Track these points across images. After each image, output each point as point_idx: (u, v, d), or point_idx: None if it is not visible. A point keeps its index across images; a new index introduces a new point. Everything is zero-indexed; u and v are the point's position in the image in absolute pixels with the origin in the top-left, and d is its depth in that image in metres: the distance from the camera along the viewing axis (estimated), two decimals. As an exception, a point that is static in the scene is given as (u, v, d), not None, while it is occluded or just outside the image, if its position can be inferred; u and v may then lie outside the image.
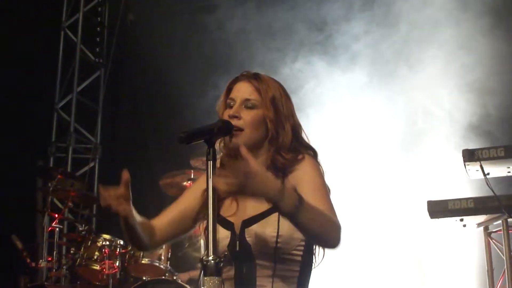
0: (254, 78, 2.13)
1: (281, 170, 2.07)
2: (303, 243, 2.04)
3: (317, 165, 2.10)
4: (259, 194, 1.76)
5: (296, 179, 2.03)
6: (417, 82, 5.15)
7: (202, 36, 6.10)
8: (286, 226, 1.96)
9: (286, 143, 2.09)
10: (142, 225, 2.10)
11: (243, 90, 2.11)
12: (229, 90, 2.16)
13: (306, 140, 2.18)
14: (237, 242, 2.00)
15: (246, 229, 2.03)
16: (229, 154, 2.15)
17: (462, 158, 3.88)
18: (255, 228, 2.01)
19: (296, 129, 2.14)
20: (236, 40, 5.66)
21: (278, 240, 1.98)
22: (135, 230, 2.07)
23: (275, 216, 2.00)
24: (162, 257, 5.07)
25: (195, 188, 2.21)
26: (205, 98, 4.72)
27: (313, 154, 2.15)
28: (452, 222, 3.97)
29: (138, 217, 2.08)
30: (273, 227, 1.99)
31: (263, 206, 2.00)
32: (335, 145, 4.99)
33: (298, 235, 2.00)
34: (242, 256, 1.99)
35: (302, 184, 1.99)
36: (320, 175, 2.08)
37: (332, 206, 1.99)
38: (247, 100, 2.09)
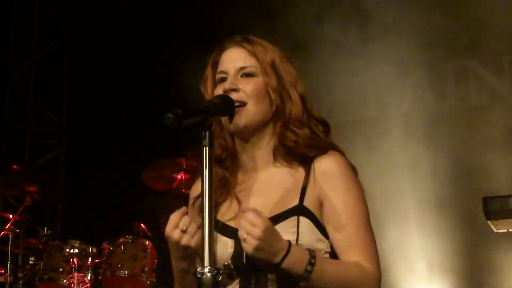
0: (246, 41, 2.15)
1: (294, 152, 2.10)
2: (327, 255, 2.07)
3: (349, 166, 2.12)
4: (257, 258, 1.90)
5: (322, 189, 2.07)
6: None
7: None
8: (307, 233, 2.02)
9: (296, 115, 2.12)
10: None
11: (235, 58, 2.13)
12: (215, 63, 2.18)
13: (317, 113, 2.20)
14: (244, 251, 1.97)
15: None
16: (226, 147, 2.17)
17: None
18: None
19: (305, 99, 2.16)
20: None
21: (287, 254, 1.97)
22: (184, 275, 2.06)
23: (293, 220, 2.03)
24: (146, 268, 5.10)
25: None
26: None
27: (328, 134, 2.17)
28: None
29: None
30: (291, 233, 2.01)
31: (278, 206, 2.06)
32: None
33: (321, 245, 2.05)
34: (249, 269, 2.00)
35: (329, 202, 2.06)
36: (355, 185, 2.11)
37: (371, 237, 2.07)
38: (243, 68, 2.11)
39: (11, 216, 5.51)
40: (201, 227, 1.87)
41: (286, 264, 1.92)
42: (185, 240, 1.94)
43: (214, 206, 2.04)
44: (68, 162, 7.12)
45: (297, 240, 2.00)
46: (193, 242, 1.95)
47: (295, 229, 2.02)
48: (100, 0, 7.02)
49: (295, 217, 2.03)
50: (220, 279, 1.84)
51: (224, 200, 2.18)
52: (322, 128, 2.16)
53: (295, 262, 1.93)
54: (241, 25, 5.37)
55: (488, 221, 4.11)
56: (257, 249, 1.88)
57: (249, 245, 1.88)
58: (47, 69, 7.21)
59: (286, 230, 2.01)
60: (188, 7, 6.31)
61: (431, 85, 5.59)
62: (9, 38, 7.13)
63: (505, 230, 4.22)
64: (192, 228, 1.95)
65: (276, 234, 1.93)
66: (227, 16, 5.72)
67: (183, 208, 1.99)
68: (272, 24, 5.58)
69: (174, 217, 1.95)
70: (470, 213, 5.02)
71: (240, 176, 2.19)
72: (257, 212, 1.90)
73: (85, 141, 6.86)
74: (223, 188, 2.17)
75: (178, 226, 1.95)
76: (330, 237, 2.06)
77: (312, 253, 1.95)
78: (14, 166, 5.47)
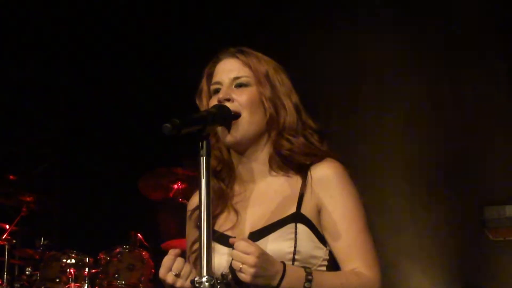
0: (240, 52, 2.17)
1: (290, 161, 2.11)
2: (325, 263, 2.07)
3: (345, 172, 2.12)
4: (255, 284, 1.90)
5: (319, 196, 2.08)
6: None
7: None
8: (305, 240, 2.03)
9: (290, 124, 2.13)
10: None
11: (229, 69, 2.15)
12: (210, 75, 2.20)
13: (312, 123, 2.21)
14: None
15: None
16: (222, 159, 2.18)
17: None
18: (266, 241, 2.04)
19: (300, 109, 2.18)
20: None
21: (296, 257, 2.01)
22: None
23: (291, 227, 2.04)
24: (143, 278, 5.10)
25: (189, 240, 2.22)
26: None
27: (323, 144, 2.18)
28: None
29: None
30: (288, 240, 2.03)
31: (275, 214, 2.07)
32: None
33: (320, 253, 2.06)
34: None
35: (326, 209, 2.07)
36: (352, 191, 2.11)
37: (370, 242, 2.08)
38: (237, 78, 2.13)
39: (7, 226, 5.52)
40: (198, 237, 1.88)
41: (284, 285, 1.93)
42: (179, 284, 1.96)
43: (212, 217, 2.05)
44: (64, 171, 7.08)
45: (295, 247, 2.01)
46: (187, 285, 1.95)
47: (293, 235, 2.02)
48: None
49: (293, 224, 2.04)
50: None
51: (221, 212, 2.19)
52: (317, 137, 2.18)
53: (292, 281, 1.94)
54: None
55: (485, 230, 4.15)
56: (254, 276, 1.88)
57: (246, 274, 1.88)
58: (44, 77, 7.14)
59: (283, 237, 2.03)
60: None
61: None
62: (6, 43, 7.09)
63: (502, 239, 4.26)
64: (185, 271, 1.96)
65: (270, 258, 1.94)
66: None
67: (176, 250, 1.99)
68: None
69: (167, 261, 1.96)
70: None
71: (236, 188, 2.21)
72: (247, 240, 1.93)
73: (81, 150, 6.84)
74: (219, 200, 2.18)
75: (172, 270, 1.95)
76: (329, 245, 2.07)
77: (308, 270, 1.97)
78: (11, 176, 5.48)
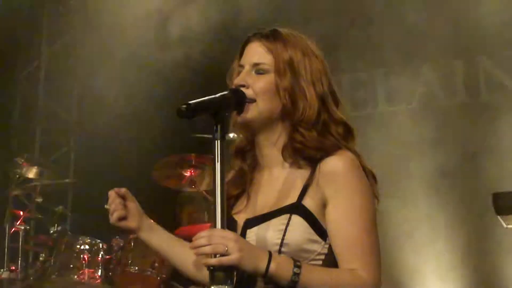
0: (268, 36, 2.15)
1: (301, 153, 2.09)
2: (321, 257, 2.02)
3: (356, 166, 2.05)
4: (244, 266, 1.87)
5: (325, 190, 2.03)
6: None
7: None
8: (298, 232, 1.99)
9: (308, 116, 2.09)
10: (182, 251, 2.29)
11: (253, 53, 2.15)
12: (241, 54, 2.19)
13: (343, 117, 2.15)
14: None
15: (248, 230, 2.08)
16: (250, 141, 2.20)
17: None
18: (257, 230, 2.05)
19: (325, 99, 2.12)
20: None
21: (282, 249, 1.98)
22: (168, 253, 2.32)
23: (285, 217, 2.01)
24: (156, 264, 5.11)
25: None
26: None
27: (349, 136, 2.13)
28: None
29: (174, 242, 2.33)
30: (277, 231, 2.00)
31: (276, 203, 2.07)
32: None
33: (314, 247, 2.01)
34: (236, 269, 1.98)
35: (331, 203, 2.02)
36: (361, 186, 2.04)
37: (372, 243, 2.00)
38: (256, 64, 2.13)
39: (21, 213, 5.56)
40: (213, 221, 1.89)
41: (272, 270, 1.89)
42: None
43: (230, 198, 2.16)
44: (78, 158, 7.20)
45: (282, 238, 1.98)
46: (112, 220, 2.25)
47: (284, 227, 2.00)
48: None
49: (288, 215, 2.01)
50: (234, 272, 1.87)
51: (240, 193, 2.21)
52: (342, 129, 2.13)
53: (280, 268, 1.90)
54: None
55: (498, 216, 4.16)
56: (239, 250, 1.84)
57: (232, 252, 1.84)
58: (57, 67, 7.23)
59: (274, 227, 2.02)
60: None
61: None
62: (18, 35, 7.15)
63: None
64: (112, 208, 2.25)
65: (249, 243, 1.95)
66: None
67: (122, 190, 2.27)
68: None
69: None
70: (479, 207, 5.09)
71: (256, 172, 2.21)
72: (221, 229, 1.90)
73: (94, 138, 6.86)
74: (240, 180, 2.21)
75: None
76: (331, 241, 2.02)
77: (297, 262, 1.93)
78: (24, 164, 5.53)
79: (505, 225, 4.30)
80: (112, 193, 2.25)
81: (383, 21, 5.92)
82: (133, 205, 2.27)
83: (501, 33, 5.40)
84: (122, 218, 2.25)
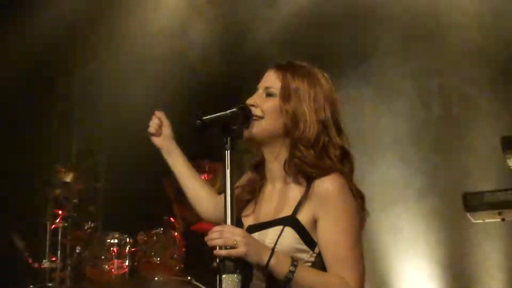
0: (282, 66, 2.27)
1: (301, 170, 2.18)
2: (308, 264, 2.12)
3: (346, 189, 2.13)
4: (250, 258, 2.01)
5: (316, 209, 2.13)
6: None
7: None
8: (288, 242, 2.10)
9: (307, 136, 2.17)
10: (194, 183, 2.54)
11: (266, 79, 2.28)
12: (260, 79, 2.33)
13: (345, 145, 2.24)
14: None
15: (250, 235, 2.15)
16: (258, 161, 2.33)
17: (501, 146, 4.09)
18: (258, 236, 2.16)
19: (326, 124, 2.20)
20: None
21: (272, 255, 2.06)
22: (181, 180, 2.55)
23: (279, 228, 2.13)
24: (175, 256, 5.45)
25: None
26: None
27: (345, 160, 2.22)
28: (489, 215, 4.25)
29: (189, 172, 2.55)
30: (270, 240, 2.12)
31: (274, 214, 2.20)
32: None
33: (303, 255, 2.11)
34: (243, 261, 2.06)
35: (320, 222, 2.11)
36: (348, 208, 2.12)
37: (357, 258, 2.10)
38: (267, 88, 2.25)
39: (60, 212, 5.88)
40: (224, 219, 2.04)
41: (272, 264, 2.02)
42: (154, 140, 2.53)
43: (242, 201, 2.32)
44: (108, 165, 7.27)
45: (273, 248, 2.08)
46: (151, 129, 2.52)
47: (276, 237, 2.11)
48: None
49: (281, 227, 2.12)
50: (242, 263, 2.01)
51: (250, 199, 2.35)
52: (339, 152, 2.20)
53: (279, 263, 2.02)
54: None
55: (467, 213, 4.30)
56: (246, 244, 1.97)
57: (240, 245, 1.97)
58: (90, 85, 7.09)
59: (269, 236, 2.13)
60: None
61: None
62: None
63: (481, 221, 4.41)
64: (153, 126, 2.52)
65: (257, 240, 2.08)
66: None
67: (159, 114, 2.53)
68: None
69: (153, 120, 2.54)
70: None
71: (265, 182, 2.34)
72: (231, 226, 2.03)
73: (122, 147, 6.71)
74: (250, 188, 2.36)
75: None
76: (322, 254, 2.12)
77: (293, 258, 2.07)
78: (62, 169, 5.86)
79: (473, 221, 4.44)
80: (156, 113, 2.53)
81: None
82: (165, 129, 2.53)
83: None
84: (153, 134, 2.53)
